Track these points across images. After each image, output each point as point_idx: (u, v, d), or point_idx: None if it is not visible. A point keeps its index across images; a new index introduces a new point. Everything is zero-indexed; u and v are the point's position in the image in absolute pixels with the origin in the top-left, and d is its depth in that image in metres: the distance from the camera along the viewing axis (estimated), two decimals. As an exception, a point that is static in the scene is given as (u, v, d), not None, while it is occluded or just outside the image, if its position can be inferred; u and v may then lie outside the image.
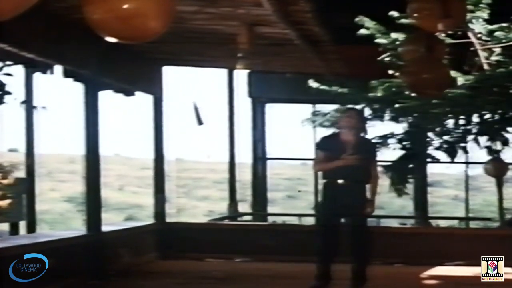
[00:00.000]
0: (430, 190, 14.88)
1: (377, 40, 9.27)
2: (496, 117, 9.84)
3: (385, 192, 10.63)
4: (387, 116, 10.12)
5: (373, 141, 7.79)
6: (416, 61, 7.29)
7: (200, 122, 9.90)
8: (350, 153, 7.04)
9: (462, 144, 10.24)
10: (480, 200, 20.58)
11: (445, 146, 10.22)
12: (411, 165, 10.42)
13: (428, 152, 10.47)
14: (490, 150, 10.30)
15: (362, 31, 9.25)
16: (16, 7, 2.91)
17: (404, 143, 10.34)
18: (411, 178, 10.51)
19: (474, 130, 10.11)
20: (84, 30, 4.37)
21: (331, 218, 7.20)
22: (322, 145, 7.41)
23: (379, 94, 9.69)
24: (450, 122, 10.21)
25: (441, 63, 7.31)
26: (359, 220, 7.22)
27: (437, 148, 10.29)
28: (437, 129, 10.27)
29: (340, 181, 7.09)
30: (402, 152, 10.37)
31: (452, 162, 10.77)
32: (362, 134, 7.37)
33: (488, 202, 17.68)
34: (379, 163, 7.75)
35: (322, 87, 9.93)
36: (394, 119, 10.15)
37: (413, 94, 8.76)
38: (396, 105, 9.59)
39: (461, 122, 10.16)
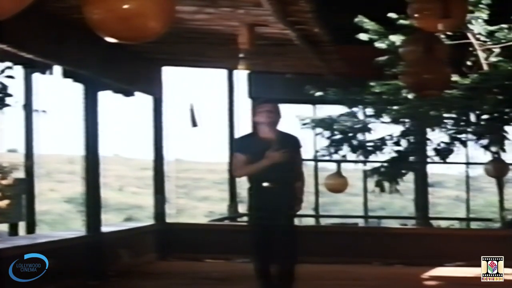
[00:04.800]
0: (431, 191, 14.85)
1: (375, 44, 9.28)
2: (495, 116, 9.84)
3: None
4: (385, 117, 10.13)
5: (295, 134, 6.64)
6: (416, 62, 7.28)
7: (194, 124, 9.89)
8: (274, 149, 6.30)
9: (459, 145, 10.26)
10: (481, 201, 20.56)
11: (438, 147, 10.23)
12: (402, 166, 10.43)
13: (423, 153, 10.49)
14: (489, 150, 10.30)
15: (361, 36, 9.26)
16: (15, 5, 2.89)
17: (400, 144, 10.36)
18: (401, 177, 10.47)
19: (472, 131, 10.12)
20: (84, 30, 4.35)
21: (262, 224, 6.42)
22: (241, 146, 6.55)
23: (377, 95, 9.70)
24: (447, 123, 10.22)
25: (441, 63, 7.29)
26: (287, 221, 6.44)
27: (434, 149, 10.30)
28: (434, 130, 10.29)
29: (265, 184, 6.33)
30: (396, 153, 10.41)
31: (445, 162, 10.75)
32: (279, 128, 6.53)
33: (489, 202, 17.66)
34: (304, 159, 6.75)
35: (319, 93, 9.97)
36: (392, 120, 10.15)
37: (413, 95, 8.78)
38: (394, 107, 9.60)
39: (459, 122, 10.17)
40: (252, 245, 6.58)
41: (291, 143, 6.52)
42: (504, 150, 10.16)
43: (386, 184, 10.28)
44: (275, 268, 6.43)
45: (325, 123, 10.54)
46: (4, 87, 7.67)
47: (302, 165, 6.63)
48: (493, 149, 10.26)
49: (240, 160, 6.42)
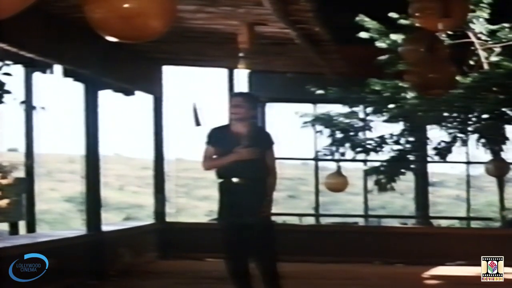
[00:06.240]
0: (432, 190, 14.83)
1: (376, 44, 9.28)
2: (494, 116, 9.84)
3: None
4: (385, 115, 10.12)
5: (268, 131, 6.48)
6: (420, 61, 7.26)
7: (198, 123, 9.90)
8: (244, 145, 6.14)
9: (459, 144, 10.25)
10: (482, 200, 20.55)
11: (439, 146, 10.23)
12: (402, 165, 10.42)
13: (423, 152, 10.48)
14: (489, 149, 10.29)
15: (362, 34, 9.25)
16: (15, 5, 2.89)
17: (400, 143, 10.35)
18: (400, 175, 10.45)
19: (473, 130, 10.11)
20: (84, 30, 4.35)
21: (232, 224, 6.32)
22: (212, 138, 6.31)
23: (376, 94, 9.70)
24: (447, 122, 10.21)
25: (445, 62, 7.28)
26: (261, 221, 6.21)
27: (434, 148, 10.30)
28: (433, 129, 10.28)
29: (235, 179, 6.18)
30: (396, 152, 10.40)
31: (446, 161, 10.74)
32: (254, 122, 6.41)
33: (489, 202, 17.66)
34: (276, 156, 6.45)
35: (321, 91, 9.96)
36: (391, 119, 10.15)
37: (412, 94, 8.78)
38: (392, 105, 9.59)
39: (460, 121, 10.17)
40: (224, 244, 6.42)
41: (263, 140, 6.36)
42: (504, 150, 10.16)
43: (384, 182, 10.27)
44: (257, 269, 6.27)
45: (324, 120, 10.52)
46: (2, 84, 7.64)
47: (275, 162, 6.42)
48: (494, 148, 10.25)
49: (209, 152, 6.28)
